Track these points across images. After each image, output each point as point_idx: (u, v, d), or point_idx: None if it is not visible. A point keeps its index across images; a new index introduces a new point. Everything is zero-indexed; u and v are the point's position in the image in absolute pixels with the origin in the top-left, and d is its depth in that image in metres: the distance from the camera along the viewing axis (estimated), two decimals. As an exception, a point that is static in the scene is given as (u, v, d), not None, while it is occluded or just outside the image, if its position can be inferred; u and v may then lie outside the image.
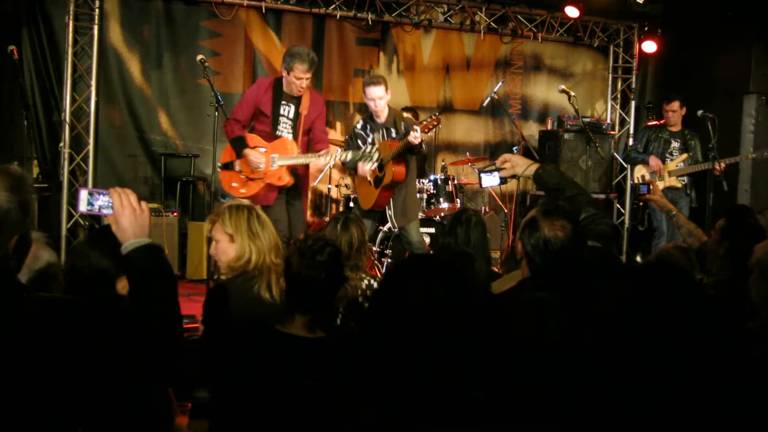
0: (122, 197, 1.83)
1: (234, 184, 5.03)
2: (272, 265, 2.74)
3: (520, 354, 2.05)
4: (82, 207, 1.85)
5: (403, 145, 4.99)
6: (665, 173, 6.46)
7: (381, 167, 5.22)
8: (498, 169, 2.89)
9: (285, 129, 5.03)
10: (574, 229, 2.24)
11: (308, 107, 5.04)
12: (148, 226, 1.84)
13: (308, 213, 5.86)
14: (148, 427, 1.93)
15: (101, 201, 1.85)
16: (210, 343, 2.62)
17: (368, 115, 5.44)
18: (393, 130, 5.32)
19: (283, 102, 5.01)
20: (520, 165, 2.83)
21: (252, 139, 4.99)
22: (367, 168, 5.01)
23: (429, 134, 5.12)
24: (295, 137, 5.01)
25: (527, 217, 2.32)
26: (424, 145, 5.14)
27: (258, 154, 4.89)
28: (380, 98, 5.21)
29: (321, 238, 2.32)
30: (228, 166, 5.07)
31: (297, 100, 5.02)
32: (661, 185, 6.42)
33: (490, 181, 2.97)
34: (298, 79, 4.87)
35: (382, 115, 5.32)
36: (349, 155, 4.94)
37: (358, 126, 5.50)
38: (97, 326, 1.76)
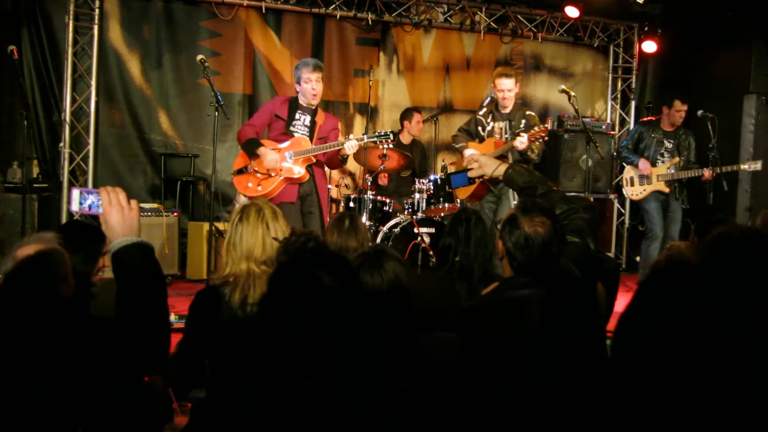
0: (111, 196, 1.83)
1: (249, 184, 4.99)
2: (253, 273, 2.51)
3: (505, 353, 2.05)
4: (74, 206, 1.86)
5: (506, 148, 5.37)
6: (654, 177, 6.34)
7: None
8: (467, 170, 2.92)
9: (300, 131, 5.05)
10: (553, 224, 2.25)
11: (324, 120, 5.10)
12: (136, 224, 1.84)
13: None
14: (145, 426, 1.93)
15: (91, 200, 1.85)
16: (193, 345, 2.55)
17: (495, 105, 5.76)
18: (513, 124, 5.62)
19: (299, 111, 5.07)
20: (488, 165, 2.85)
21: (265, 142, 5.00)
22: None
23: (537, 143, 5.33)
24: (311, 140, 5.03)
25: (506, 215, 2.34)
26: (536, 156, 5.46)
27: (272, 151, 4.90)
28: (509, 90, 5.63)
29: (304, 234, 2.25)
30: (242, 171, 5.06)
31: (313, 112, 5.08)
32: (649, 189, 6.36)
33: (459, 181, 3.02)
34: (308, 82, 4.94)
35: (508, 107, 5.70)
36: (365, 138, 5.02)
37: (481, 112, 5.86)
38: (85, 328, 1.77)
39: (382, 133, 5.01)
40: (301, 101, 5.06)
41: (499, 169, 2.81)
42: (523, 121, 5.63)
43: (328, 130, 5.12)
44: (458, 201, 6.36)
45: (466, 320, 2.32)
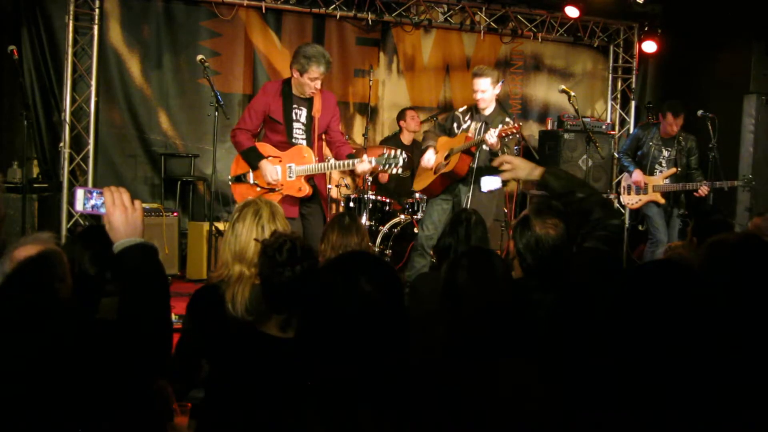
0: (114, 196, 1.83)
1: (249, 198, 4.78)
2: (241, 274, 2.48)
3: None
4: (78, 206, 1.86)
5: (476, 141, 5.13)
6: (650, 188, 6.30)
7: (448, 156, 5.33)
8: (499, 172, 2.80)
9: (299, 136, 4.78)
10: (566, 227, 2.24)
11: (321, 109, 4.78)
12: (140, 225, 1.83)
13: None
14: (145, 426, 1.93)
15: (95, 200, 1.86)
16: (190, 344, 2.54)
17: (475, 105, 5.51)
18: (489, 127, 5.28)
19: (294, 106, 4.74)
20: (522, 168, 2.68)
21: (264, 147, 4.76)
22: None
23: (506, 141, 5.09)
24: (310, 143, 4.76)
25: (520, 216, 2.33)
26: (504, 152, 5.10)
27: (273, 167, 4.68)
28: (483, 91, 5.32)
29: (282, 236, 2.24)
30: (240, 179, 4.84)
31: (309, 102, 4.75)
32: (645, 199, 6.33)
33: (491, 183, 2.92)
34: (313, 80, 4.61)
35: (487, 109, 5.42)
36: (374, 161, 4.73)
37: (460, 109, 5.62)
38: (89, 328, 1.77)
39: (392, 156, 4.69)
40: (296, 91, 4.73)
41: (534, 173, 2.62)
42: (500, 127, 5.29)
43: (327, 120, 4.82)
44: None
45: None
